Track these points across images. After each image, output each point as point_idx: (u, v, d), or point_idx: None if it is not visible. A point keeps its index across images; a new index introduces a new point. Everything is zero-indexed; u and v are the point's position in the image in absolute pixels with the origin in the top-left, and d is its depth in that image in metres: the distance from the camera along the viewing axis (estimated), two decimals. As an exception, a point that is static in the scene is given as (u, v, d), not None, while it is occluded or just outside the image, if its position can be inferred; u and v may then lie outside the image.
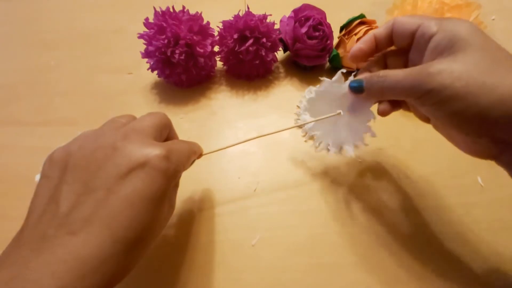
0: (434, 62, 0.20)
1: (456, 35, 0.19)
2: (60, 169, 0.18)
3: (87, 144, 0.19)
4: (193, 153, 0.24)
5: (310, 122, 0.28)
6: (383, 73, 0.22)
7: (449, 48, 0.20)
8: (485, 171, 0.32)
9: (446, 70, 0.19)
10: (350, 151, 0.28)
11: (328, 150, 0.30)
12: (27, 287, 0.14)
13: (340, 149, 0.30)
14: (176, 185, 0.25)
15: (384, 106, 0.25)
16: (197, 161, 0.26)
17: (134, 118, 0.23)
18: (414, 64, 0.22)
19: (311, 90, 0.38)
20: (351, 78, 0.25)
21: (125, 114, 0.23)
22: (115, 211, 0.17)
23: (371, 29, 0.37)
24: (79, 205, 0.17)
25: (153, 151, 0.19)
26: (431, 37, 0.21)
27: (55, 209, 0.17)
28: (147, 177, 0.18)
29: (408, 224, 0.29)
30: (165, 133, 0.23)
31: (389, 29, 0.24)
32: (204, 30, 0.37)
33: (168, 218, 0.22)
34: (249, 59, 0.38)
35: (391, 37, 0.24)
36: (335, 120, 0.28)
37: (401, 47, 0.24)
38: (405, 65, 0.24)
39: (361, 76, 0.24)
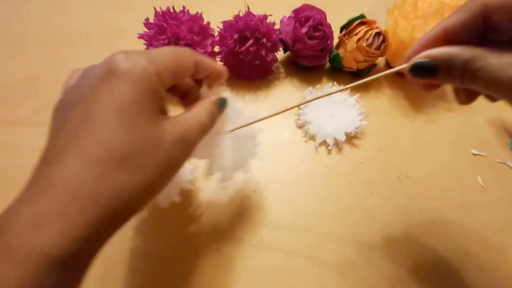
0: None
1: None
2: None
3: None
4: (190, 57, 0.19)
5: (317, 98, 0.23)
6: (475, 53, 0.15)
7: None
8: (485, 171, 0.32)
9: None
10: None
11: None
12: (24, 210, 0.15)
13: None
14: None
15: (463, 96, 0.19)
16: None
17: None
18: None
19: (311, 91, 0.38)
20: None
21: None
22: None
23: (371, 29, 0.37)
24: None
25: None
26: None
27: None
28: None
29: (408, 224, 0.29)
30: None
31: (473, 12, 0.16)
32: (204, 31, 0.37)
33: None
34: (249, 60, 0.37)
35: (477, 24, 0.16)
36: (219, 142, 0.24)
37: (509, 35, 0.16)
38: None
39: (437, 52, 0.16)
